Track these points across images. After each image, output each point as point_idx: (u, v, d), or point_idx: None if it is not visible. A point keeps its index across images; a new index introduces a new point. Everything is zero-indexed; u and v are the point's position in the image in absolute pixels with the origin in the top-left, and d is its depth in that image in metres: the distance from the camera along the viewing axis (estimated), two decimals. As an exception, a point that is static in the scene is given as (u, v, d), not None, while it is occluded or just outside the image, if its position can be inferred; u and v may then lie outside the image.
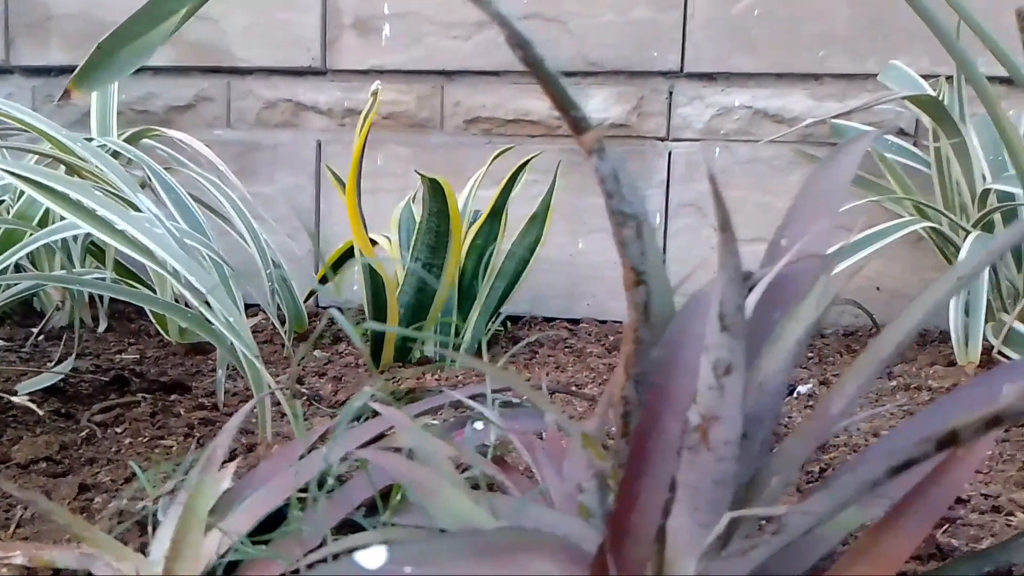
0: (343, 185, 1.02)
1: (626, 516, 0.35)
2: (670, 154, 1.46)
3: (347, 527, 0.51)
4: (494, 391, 0.58)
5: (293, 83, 1.54)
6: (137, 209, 0.75)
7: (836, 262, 0.45)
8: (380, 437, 0.54)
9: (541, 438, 0.53)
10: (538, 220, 1.21)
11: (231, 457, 0.85)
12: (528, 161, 1.17)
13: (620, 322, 1.47)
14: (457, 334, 1.21)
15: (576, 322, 1.47)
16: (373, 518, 0.50)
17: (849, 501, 0.33)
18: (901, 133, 1.36)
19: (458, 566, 0.33)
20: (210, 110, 1.58)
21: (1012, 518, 0.72)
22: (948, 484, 0.36)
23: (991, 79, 1.32)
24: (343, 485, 0.51)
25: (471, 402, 0.50)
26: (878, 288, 1.41)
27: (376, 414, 0.59)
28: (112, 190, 0.73)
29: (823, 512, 0.33)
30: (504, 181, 1.16)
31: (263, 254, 1.20)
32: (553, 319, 1.49)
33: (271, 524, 0.53)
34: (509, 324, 1.44)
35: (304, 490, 0.51)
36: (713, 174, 0.31)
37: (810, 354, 1.22)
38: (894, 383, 1.06)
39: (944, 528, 0.69)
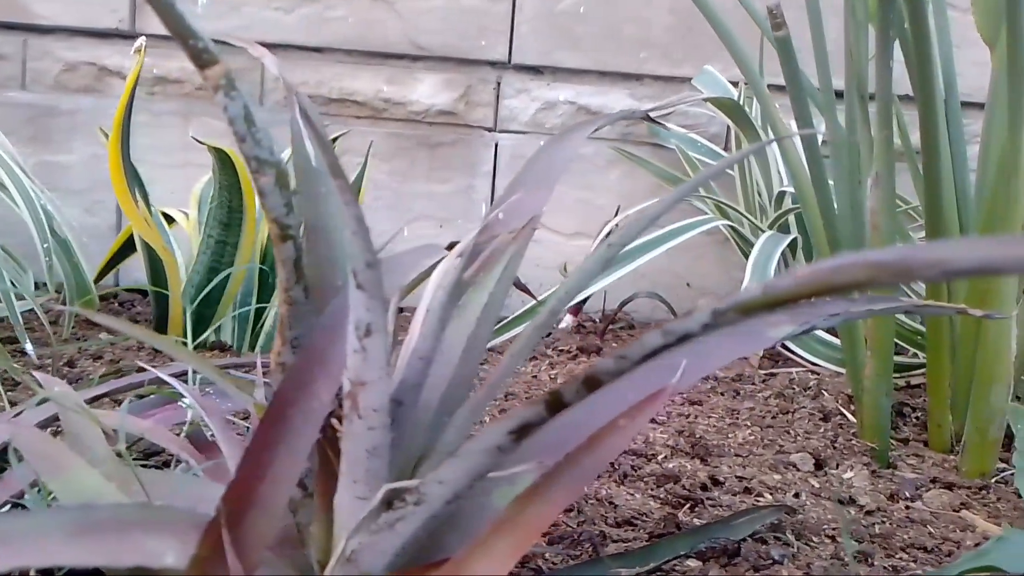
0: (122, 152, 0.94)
1: (251, 486, 0.32)
2: (497, 145, 1.46)
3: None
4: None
5: (97, 45, 1.43)
6: None
7: (533, 232, 0.45)
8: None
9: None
10: (347, 202, 1.17)
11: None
12: (335, 139, 1.13)
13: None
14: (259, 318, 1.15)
15: (400, 310, 1.44)
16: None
17: (481, 466, 0.32)
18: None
19: (50, 544, 0.30)
20: (3, 69, 1.44)
21: (760, 499, 0.75)
22: (602, 451, 0.35)
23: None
24: (21, 463, 0.46)
25: (173, 380, 0.46)
26: (688, 284, 1.46)
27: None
28: None
29: (457, 479, 0.32)
30: (309, 159, 1.11)
31: (40, 226, 1.09)
32: (373, 307, 1.45)
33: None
34: (324, 310, 1.39)
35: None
36: (305, 108, 0.29)
37: (614, 343, 1.25)
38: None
39: (692, 506, 0.71)
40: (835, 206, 0.84)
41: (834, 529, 0.67)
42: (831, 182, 0.86)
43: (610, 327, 1.32)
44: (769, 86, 1.34)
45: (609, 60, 1.44)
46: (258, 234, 1.06)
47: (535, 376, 1.10)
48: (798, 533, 0.66)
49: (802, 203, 0.88)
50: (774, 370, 1.09)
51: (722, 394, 1.01)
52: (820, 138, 1.33)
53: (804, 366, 1.10)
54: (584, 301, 1.31)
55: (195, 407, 0.45)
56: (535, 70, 1.45)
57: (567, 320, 1.31)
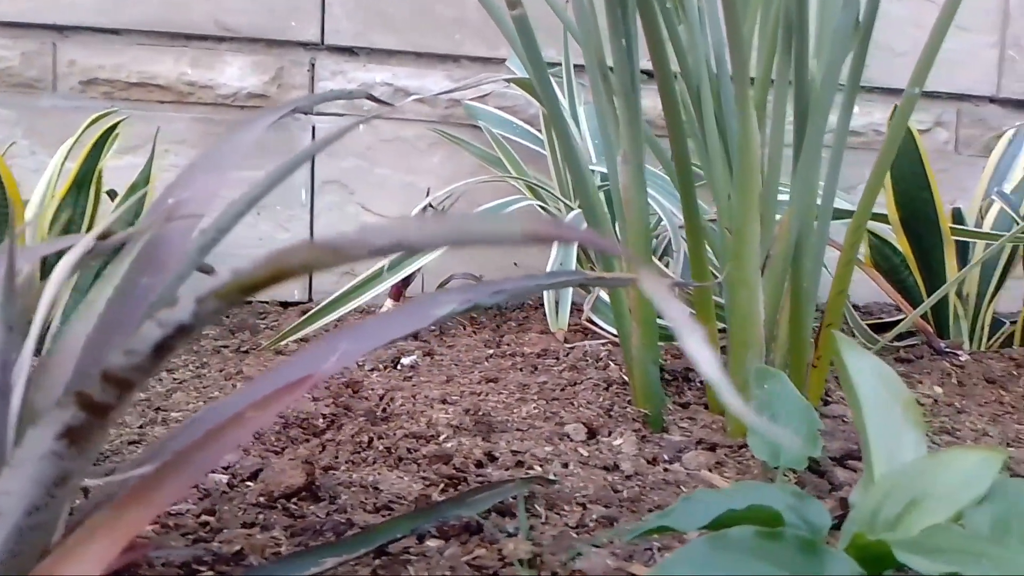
0: None
1: None
2: (314, 128, 1.43)
3: None
4: None
5: None
6: None
7: (198, 219, 0.44)
8: None
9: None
10: (136, 193, 1.12)
11: None
12: (116, 125, 1.08)
13: (265, 302, 1.41)
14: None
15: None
16: None
17: (46, 474, 0.31)
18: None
19: None
20: None
21: (531, 471, 0.77)
22: (220, 445, 0.35)
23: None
24: None
25: None
26: (516, 264, 1.48)
27: None
28: None
29: (26, 489, 0.31)
30: (87, 149, 1.05)
31: None
32: (190, 300, 1.40)
33: None
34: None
35: None
36: None
37: (432, 327, 1.25)
38: (492, 351, 1.11)
39: (456, 485, 0.72)
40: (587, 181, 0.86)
41: (584, 496, 0.69)
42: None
43: (431, 309, 1.31)
44: (576, 66, 1.36)
45: (425, 41, 1.43)
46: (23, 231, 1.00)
47: (345, 367, 1.08)
48: (551, 503, 0.68)
49: (579, 180, 0.90)
50: (577, 343, 1.11)
51: (520, 370, 1.03)
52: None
53: (607, 338, 1.13)
54: (407, 284, 1.31)
55: None
56: (350, 51, 1.42)
57: (387, 304, 1.30)
